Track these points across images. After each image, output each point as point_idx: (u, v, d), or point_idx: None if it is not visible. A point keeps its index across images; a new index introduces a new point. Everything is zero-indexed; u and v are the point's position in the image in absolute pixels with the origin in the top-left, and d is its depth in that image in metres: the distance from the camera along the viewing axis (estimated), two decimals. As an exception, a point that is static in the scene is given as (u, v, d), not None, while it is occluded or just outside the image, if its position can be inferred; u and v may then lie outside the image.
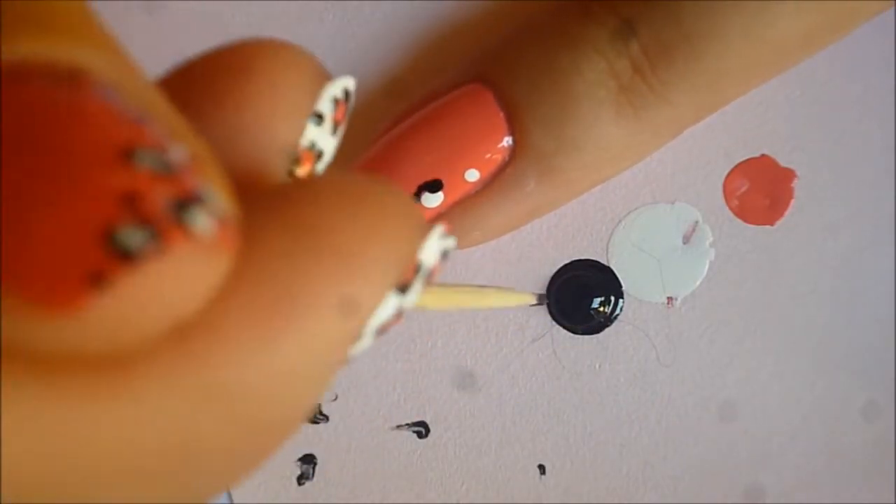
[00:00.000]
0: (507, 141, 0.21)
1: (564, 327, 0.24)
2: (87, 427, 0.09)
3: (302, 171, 0.13)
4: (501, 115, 0.20)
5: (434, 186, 0.21)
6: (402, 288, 0.12)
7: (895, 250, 0.24)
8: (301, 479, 0.25)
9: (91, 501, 0.10)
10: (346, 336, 0.11)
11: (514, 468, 0.25)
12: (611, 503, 0.24)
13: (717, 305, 0.24)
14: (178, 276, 0.09)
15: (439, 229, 0.12)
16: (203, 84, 0.12)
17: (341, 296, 0.10)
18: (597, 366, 0.24)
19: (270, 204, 0.11)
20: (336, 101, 0.13)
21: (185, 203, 0.09)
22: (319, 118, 0.13)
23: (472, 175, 0.21)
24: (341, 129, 0.13)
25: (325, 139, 0.13)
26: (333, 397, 0.25)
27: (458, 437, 0.25)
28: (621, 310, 0.24)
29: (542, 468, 0.24)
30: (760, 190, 0.24)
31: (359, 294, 0.11)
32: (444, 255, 0.13)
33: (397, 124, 0.22)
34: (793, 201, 0.24)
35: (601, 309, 0.24)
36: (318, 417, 0.25)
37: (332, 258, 0.10)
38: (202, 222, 0.09)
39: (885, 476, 0.24)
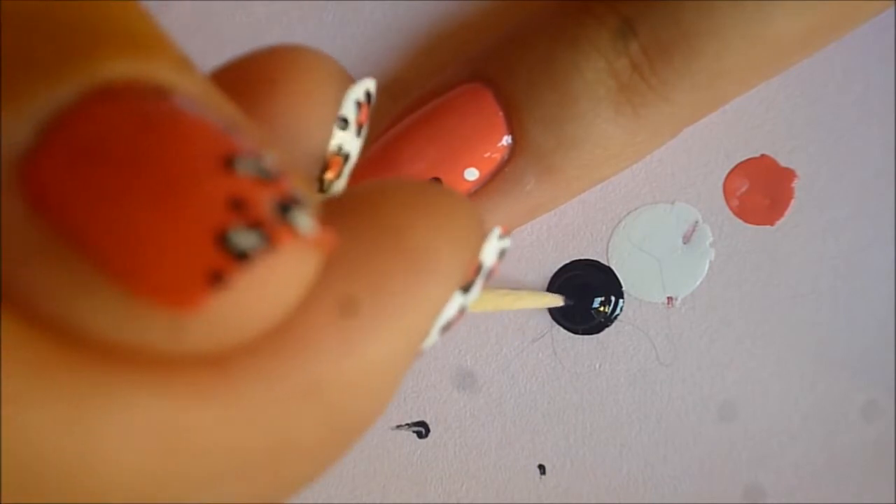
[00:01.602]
0: (506, 140, 0.21)
1: (564, 327, 0.24)
2: (191, 427, 0.09)
3: (331, 174, 0.13)
4: (500, 113, 0.20)
5: (434, 186, 0.21)
6: (465, 287, 0.12)
7: (895, 250, 0.24)
8: (301, 478, 0.25)
9: (188, 501, 0.10)
10: (423, 332, 0.11)
11: (514, 468, 0.24)
12: (611, 503, 0.24)
13: (717, 305, 0.24)
14: (285, 274, 0.09)
15: (497, 231, 0.12)
16: (232, 96, 0.12)
17: (421, 294, 0.11)
18: (597, 366, 0.24)
19: (342, 204, 0.11)
20: (359, 104, 0.13)
21: (287, 205, 0.09)
22: (345, 122, 0.13)
23: (472, 174, 0.21)
24: (365, 130, 0.14)
25: (350, 141, 0.13)
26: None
27: (458, 437, 0.25)
28: (621, 310, 0.24)
29: (542, 468, 0.24)
30: (760, 190, 0.24)
31: (435, 293, 0.11)
32: (501, 255, 0.13)
33: (396, 123, 0.22)
34: (793, 201, 0.24)
35: (601, 309, 0.24)
36: (319, 417, 0.25)
37: (412, 257, 0.11)
38: (304, 222, 0.09)
39: (885, 476, 0.24)
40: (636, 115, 0.20)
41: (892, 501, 0.24)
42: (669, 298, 0.24)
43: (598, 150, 0.20)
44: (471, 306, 0.16)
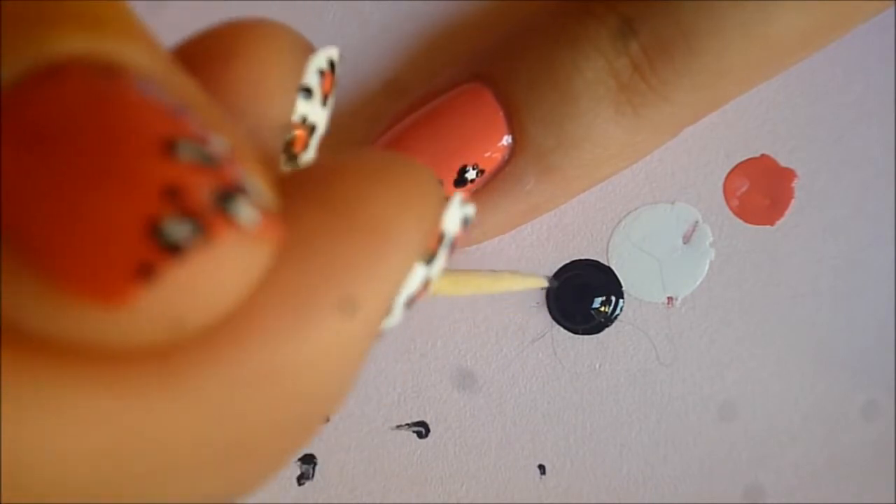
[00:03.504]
0: (506, 139, 0.21)
1: (564, 327, 0.24)
2: (139, 421, 0.09)
3: (298, 146, 0.13)
4: (501, 113, 0.20)
5: (434, 185, 0.21)
6: (428, 259, 0.12)
7: (895, 250, 0.24)
8: (301, 479, 0.25)
9: (145, 497, 0.10)
10: (383, 310, 0.11)
11: (514, 468, 0.24)
12: (611, 503, 0.24)
13: (717, 305, 0.24)
14: (224, 268, 0.09)
15: (459, 197, 0.12)
16: (192, 70, 0.12)
17: (379, 270, 0.10)
18: (597, 366, 0.24)
19: (299, 182, 0.11)
20: (322, 73, 0.13)
21: (228, 194, 0.09)
22: (308, 92, 0.13)
23: (472, 174, 0.21)
24: (331, 101, 0.14)
25: (316, 112, 0.13)
26: (333, 397, 0.25)
27: (458, 437, 0.24)
28: (621, 310, 0.24)
29: (542, 468, 0.24)
30: (760, 190, 0.24)
31: (393, 268, 0.11)
32: (465, 222, 0.13)
33: (396, 123, 0.22)
34: (793, 201, 0.24)
35: (601, 309, 0.24)
36: (318, 417, 0.25)
37: (366, 230, 0.10)
38: (246, 213, 0.09)
39: (885, 476, 0.24)
40: (636, 115, 0.20)
41: (892, 501, 0.24)
42: (669, 298, 0.24)
43: (598, 150, 0.20)
44: (448, 290, 0.15)
